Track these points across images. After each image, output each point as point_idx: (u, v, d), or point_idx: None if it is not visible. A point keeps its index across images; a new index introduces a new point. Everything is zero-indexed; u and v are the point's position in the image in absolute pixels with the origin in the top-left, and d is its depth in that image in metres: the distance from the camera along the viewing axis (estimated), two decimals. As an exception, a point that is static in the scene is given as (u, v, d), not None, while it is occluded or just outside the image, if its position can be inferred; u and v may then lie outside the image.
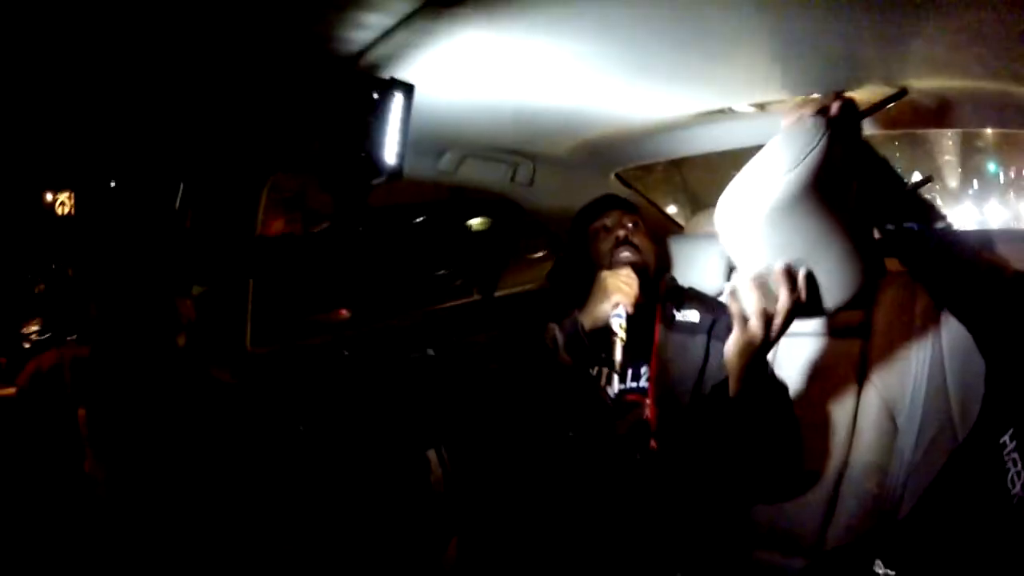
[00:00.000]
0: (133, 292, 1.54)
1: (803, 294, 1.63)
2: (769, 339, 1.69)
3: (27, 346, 3.53)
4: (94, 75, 1.63)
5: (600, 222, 2.33)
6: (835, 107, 1.66)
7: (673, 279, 2.39)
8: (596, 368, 2.13)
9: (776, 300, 1.64)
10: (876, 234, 1.70)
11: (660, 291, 2.27)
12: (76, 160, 1.77)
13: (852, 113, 1.70)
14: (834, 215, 1.58)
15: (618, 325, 2.06)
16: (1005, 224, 15.65)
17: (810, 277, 1.64)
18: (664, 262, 2.47)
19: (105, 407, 1.53)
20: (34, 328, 3.60)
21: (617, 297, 2.09)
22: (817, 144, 1.53)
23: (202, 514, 1.49)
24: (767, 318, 1.66)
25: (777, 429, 1.83)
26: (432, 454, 2.11)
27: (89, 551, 1.42)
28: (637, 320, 2.14)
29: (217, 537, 1.50)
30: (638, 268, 2.19)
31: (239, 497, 1.56)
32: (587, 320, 2.13)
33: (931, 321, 2.11)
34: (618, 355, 2.03)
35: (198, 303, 1.85)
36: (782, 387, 1.88)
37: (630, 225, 2.29)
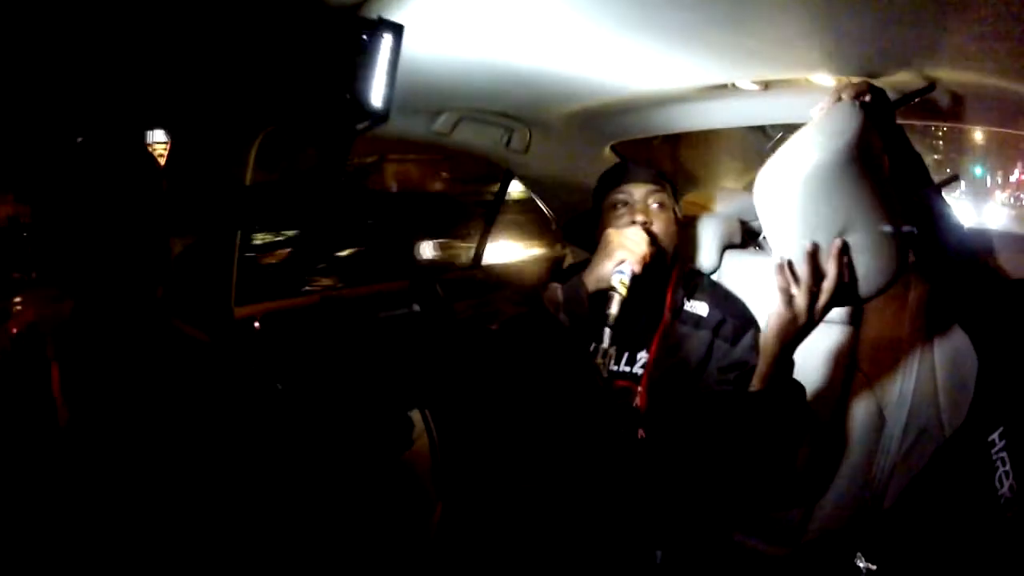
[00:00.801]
0: (115, 242, 1.50)
1: (847, 274, 1.61)
2: (813, 320, 1.67)
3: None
4: (76, 27, 1.60)
5: (621, 193, 2.14)
6: (868, 95, 1.62)
7: (690, 264, 2.29)
8: (593, 344, 2.10)
9: (823, 278, 1.62)
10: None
11: (672, 275, 2.15)
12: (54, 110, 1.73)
13: (885, 102, 1.67)
14: (874, 197, 1.56)
15: (619, 281, 1.95)
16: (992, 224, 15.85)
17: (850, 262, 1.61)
18: (685, 247, 2.35)
19: (79, 360, 1.50)
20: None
21: (621, 253, 1.96)
22: (857, 124, 1.52)
23: (176, 473, 1.46)
24: (813, 296, 1.64)
25: (797, 425, 1.81)
26: (416, 414, 2.08)
27: (63, 509, 1.40)
28: (644, 303, 2.08)
29: (192, 497, 1.48)
30: (651, 235, 2.03)
31: (214, 458, 1.53)
32: (590, 280, 2.00)
33: (923, 313, 2.11)
34: (614, 309, 1.94)
35: (180, 257, 1.82)
36: (801, 385, 1.84)
37: (654, 205, 2.11)
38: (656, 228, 2.07)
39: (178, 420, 1.47)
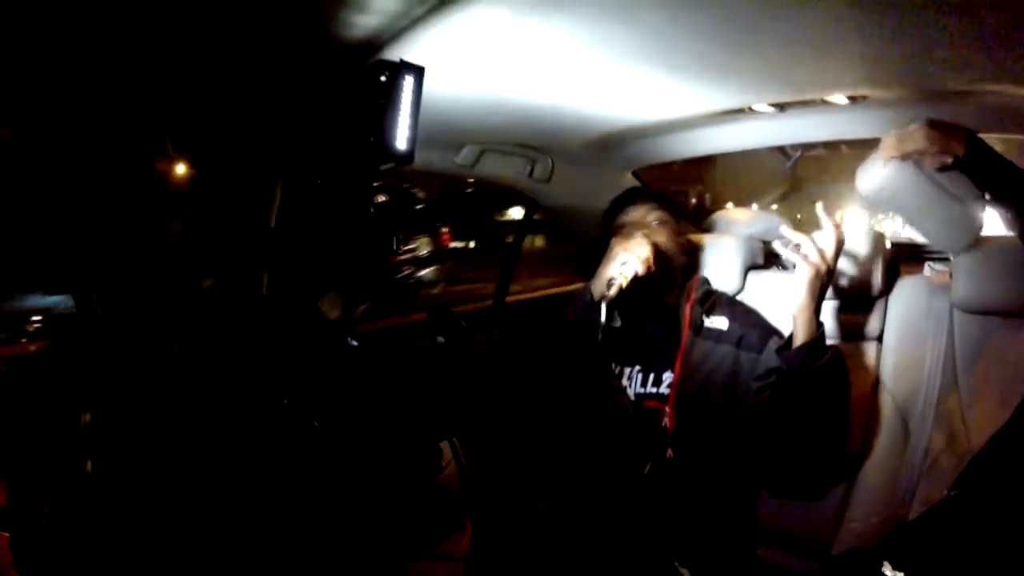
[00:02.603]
0: (139, 286, 1.51)
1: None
2: (829, 269, 1.89)
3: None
4: (104, 68, 1.63)
5: (626, 216, 2.28)
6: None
7: (706, 281, 2.34)
8: (618, 367, 2.13)
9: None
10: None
11: (690, 294, 2.22)
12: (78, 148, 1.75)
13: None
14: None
15: (619, 274, 2.02)
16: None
17: None
18: (693, 263, 2.44)
19: (108, 407, 1.50)
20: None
21: (624, 256, 2.04)
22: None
23: (208, 509, 1.48)
24: (820, 251, 1.88)
25: (841, 387, 1.91)
26: (445, 445, 2.11)
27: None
28: (665, 324, 2.14)
29: (223, 530, 1.50)
30: (655, 247, 2.11)
31: (246, 493, 1.55)
32: (596, 285, 2.08)
33: (944, 321, 2.12)
34: (612, 291, 1.99)
35: (207, 295, 1.83)
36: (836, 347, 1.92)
37: (654, 222, 2.24)
38: (659, 240, 2.15)
39: (216, 461, 1.48)
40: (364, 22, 1.55)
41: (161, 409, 1.49)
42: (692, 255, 2.43)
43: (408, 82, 1.66)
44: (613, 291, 1.99)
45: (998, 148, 1.93)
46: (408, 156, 1.71)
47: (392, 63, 1.65)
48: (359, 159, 1.75)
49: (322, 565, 1.70)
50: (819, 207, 1.95)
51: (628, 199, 2.33)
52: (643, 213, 2.26)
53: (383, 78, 1.65)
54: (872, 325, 2.26)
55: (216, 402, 1.58)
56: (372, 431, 1.95)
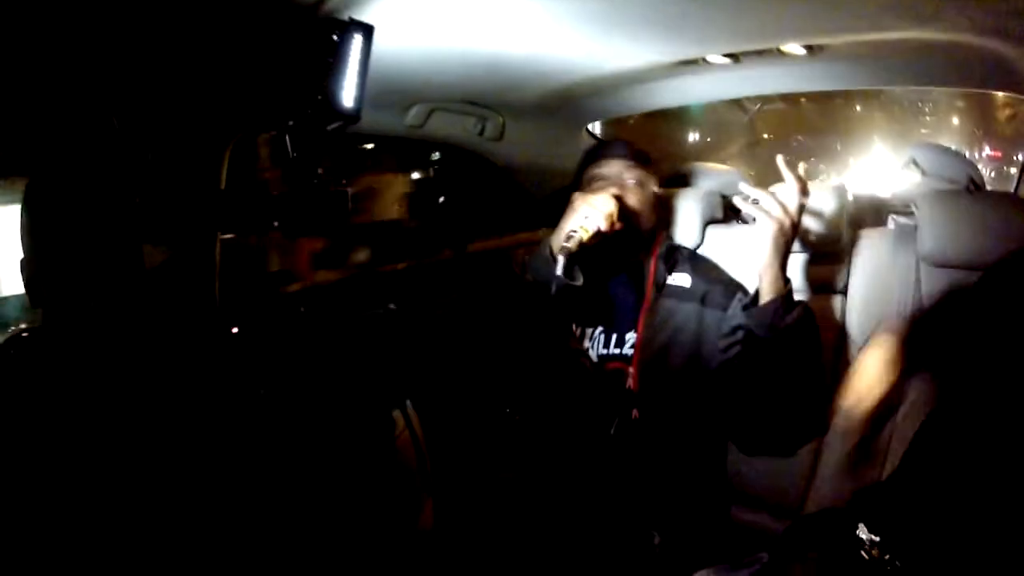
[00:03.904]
0: (83, 256, 1.48)
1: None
2: (794, 223, 1.86)
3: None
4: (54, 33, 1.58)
5: (598, 168, 2.16)
6: None
7: (670, 238, 2.28)
8: (579, 329, 2.08)
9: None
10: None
11: (653, 251, 2.15)
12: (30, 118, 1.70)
13: None
14: None
15: (580, 227, 1.92)
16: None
17: None
18: (662, 222, 2.33)
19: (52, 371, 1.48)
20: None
21: (586, 210, 1.94)
22: None
23: (160, 477, 1.45)
24: (783, 205, 1.84)
25: (814, 340, 1.87)
26: (398, 414, 2.06)
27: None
28: (628, 283, 2.09)
29: (178, 500, 1.47)
30: (626, 208, 2.03)
31: (200, 462, 1.52)
32: (555, 239, 1.99)
33: (910, 274, 2.10)
34: (571, 244, 1.89)
35: (160, 266, 1.81)
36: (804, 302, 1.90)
37: (630, 180, 2.12)
38: (631, 201, 2.06)
39: (159, 426, 1.46)
40: None
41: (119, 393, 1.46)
42: (662, 215, 2.37)
43: (357, 40, 1.64)
44: (572, 244, 1.89)
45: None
46: (355, 115, 1.70)
47: (340, 20, 1.63)
48: (307, 118, 1.73)
49: (274, 541, 1.68)
50: (779, 160, 1.90)
51: (605, 151, 2.20)
52: (619, 169, 2.14)
53: (333, 37, 1.63)
54: (836, 278, 2.24)
55: (170, 376, 1.56)
56: (319, 400, 1.92)
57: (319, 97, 1.65)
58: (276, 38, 1.70)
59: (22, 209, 1.48)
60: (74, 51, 1.66)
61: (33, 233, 1.45)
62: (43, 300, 1.50)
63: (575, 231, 1.91)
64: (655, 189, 2.18)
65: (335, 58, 1.63)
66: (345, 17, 1.63)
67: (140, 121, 1.93)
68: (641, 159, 2.17)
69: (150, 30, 1.66)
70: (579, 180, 2.19)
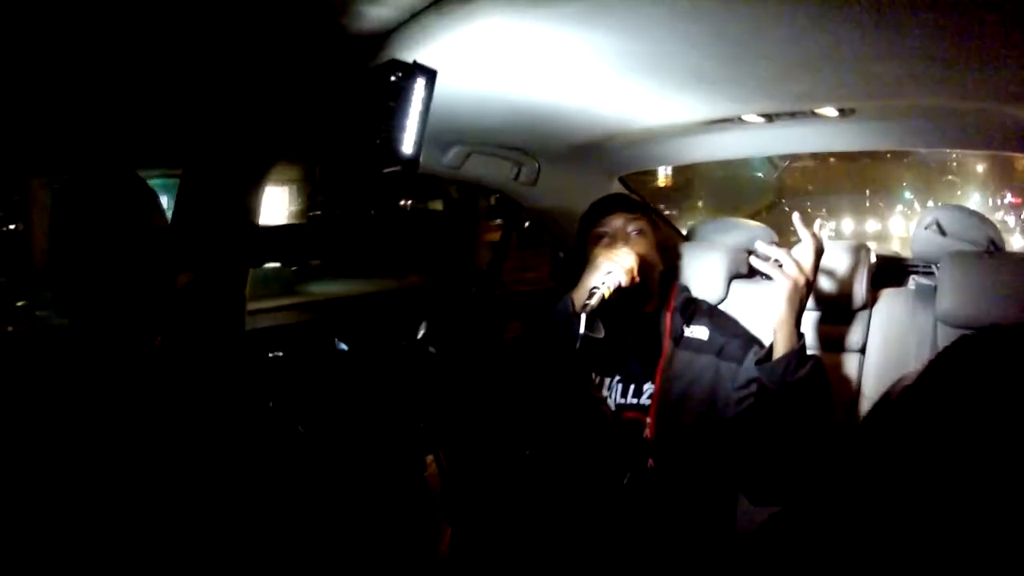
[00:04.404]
0: (114, 285, 1.45)
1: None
2: (808, 281, 1.87)
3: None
4: (96, 58, 1.58)
5: (602, 227, 2.20)
6: None
7: (686, 289, 2.30)
8: (598, 378, 2.12)
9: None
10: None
11: (670, 303, 2.19)
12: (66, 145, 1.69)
13: None
14: None
15: (603, 283, 1.96)
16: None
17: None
18: (672, 270, 2.41)
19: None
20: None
21: (608, 266, 1.99)
22: None
23: (195, 516, 1.46)
24: (798, 263, 1.86)
25: (825, 395, 1.88)
26: (431, 459, 2.09)
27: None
28: (644, 333, 2.12)
29: (205, 532, 1.47)
30: (639, 260, 2.06)
31: (227, 497, 1.52)
32: (577, 295, 2.02)
33: (928, 334, 2.13)
34: (593, 301, 1.92)
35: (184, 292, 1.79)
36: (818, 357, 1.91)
37: (632, 232, 2.17)
38: (639, 250, 2.09)
39: (179, 444, 1.45)
40: (375, 14, 1.50)
41: (140, 408, 1.46)
42: (672, 262, 2.42)
43: (419, 84, 1.60)
44: (595, 301, 1.94)
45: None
46: (414, 161, 1.66)
47: (404, 64, 1.58)
48: (362, 160, 1.69)
49: (304, 568, 1.69)
50: (795, 217, 1.94)
51: (606, 207, 2.25)
52: (622, 223, 2.19)
53: (393, 78, 1.58)
54: (854, 337, 2.26)
55: (197, 402, 1.55)
56: (358, 438, 1.93)
57: (377, 141, 1.60)
58: (334, 76, 1.70)
59: (51, 218, 1.44)
60: (148, 72, 1.66)
61: (62, 242, 1.40)
62: (70, 310, 1.44)
63: (597, 287, 1.96)
64: (655, 236, 2.23)
65: (396, 101, 1.58)
66: (409, 60, 1.58)
67: (179, 146, 1.96)
68: (633, 208, 2.23)
69: (216, 59, 1.65)
70: (584, 241, 2.23)
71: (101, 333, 1.43)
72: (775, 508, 2.08)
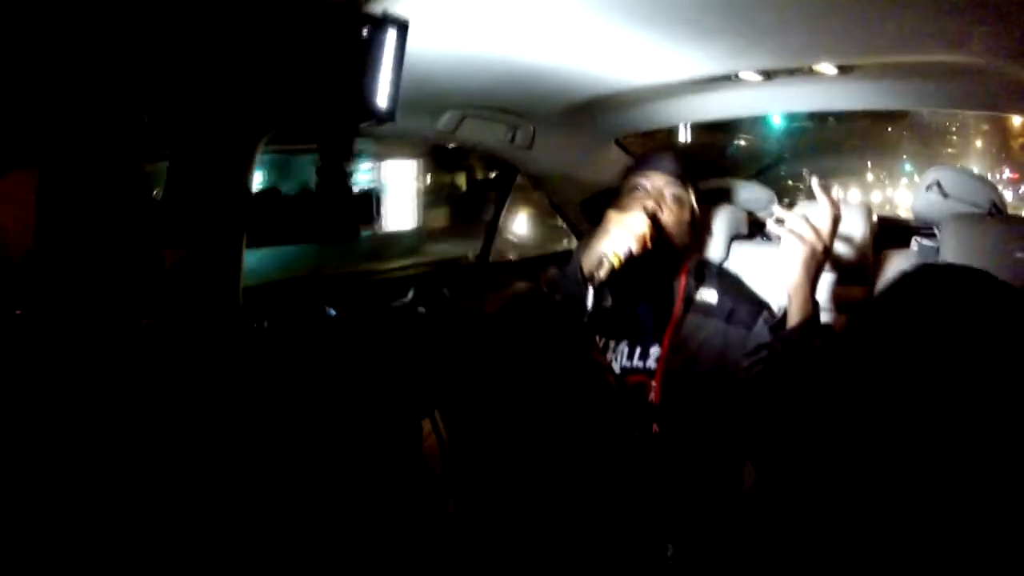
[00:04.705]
0: (98, 262, 1.43)
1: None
2: (826, 247, 1.87)
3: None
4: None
5: (643, 178, 2.16)
6: None
7: (700, 254, 2.28)
8: (603, 340, 2.09)
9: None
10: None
11: (685, 265, 2.16)
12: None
13: None
14: None
15: (612, 252, 1.94)
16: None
17: None
18: (695, 241, 2.35)
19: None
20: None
21: (619, 231, 1.96)
22: None
23: (184, 498, 1.44)
24: (816, 229, 1.86)
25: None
26: (427, 423, 2.07)
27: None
28: (656, 298, 2.10)
29: (194, 503, 1.46)
30: (659, 225, 2.06)
31: (222, 480, 1.51)
32: (587, 260, 2.00)
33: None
34: (602, 273, 1.92)
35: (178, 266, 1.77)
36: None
37: (669, 196, 2.13)
38: (666, 219, 2.07)
39: (170, 424, 1.44)
40: None
41: (125, 388, 1.44)
42: (695, 234, 2.38)
43: (391, 36, 1.58)
44: (603, 272, 1.92)
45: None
46: (389, 115, 1.63)
47: (373, 16, 1.57)
48: (336, 116, 1.68)
49: (298, 550, 1.68)
50: (815, 181, 1.92)
51: (654, 162, 2.20)
52: (661, 183, 2.14)
53: (364, 32, 1.56)
54: (860, 296, 2.24)
55: (186, 381, 1.54)
56: (348, 407, 1.91)
57: (351, 95, 1.59)
58: (305, 32, 1.64)
59: (37, 198, 1.40)
60: (104, 43, 1.60)
61: (46, 223, 1.38)
62: (52, 290, 1.42)
63: (606, 256, 1.94)
64: (694, 208, 2.19)
65: (367, 55, 1.57)
66: (379, 12, 1.57)
67: (165, 116, 1.92)
68: (685, 177, 2.18)
69: (178, 22, 1.63)
70: (622, 184, 2.21)
71: (85, 312, 1.41)
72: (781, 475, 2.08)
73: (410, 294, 2.22)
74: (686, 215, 2.15)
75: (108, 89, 1.69)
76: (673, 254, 2.12)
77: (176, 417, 1.46)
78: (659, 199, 2.11)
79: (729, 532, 2.05)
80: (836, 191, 2.52)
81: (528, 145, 2.75)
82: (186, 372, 1.55)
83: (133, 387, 1.43)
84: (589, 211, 3.02)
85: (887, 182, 21.74)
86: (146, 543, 1.38)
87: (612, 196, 2.22)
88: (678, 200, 2.13)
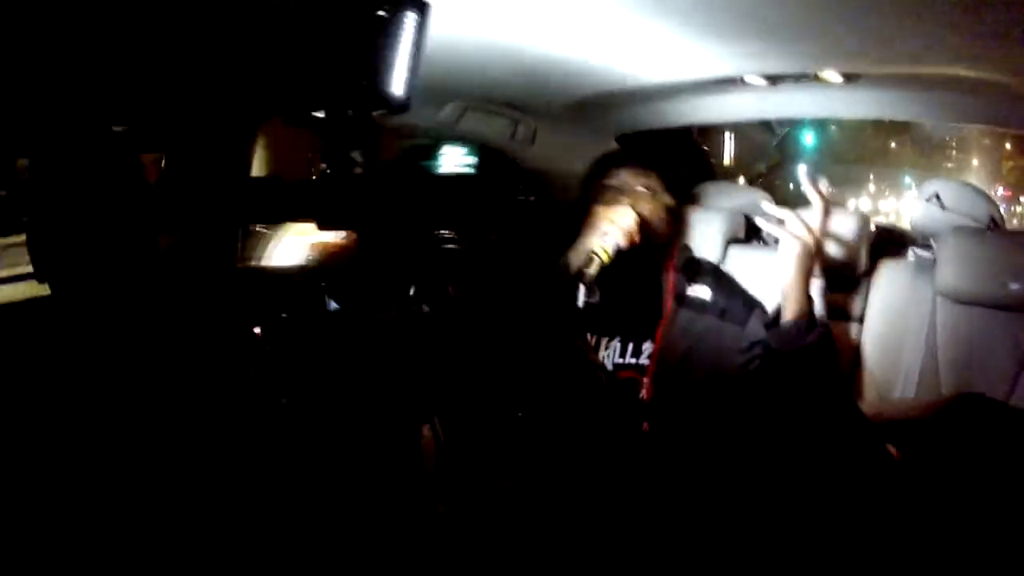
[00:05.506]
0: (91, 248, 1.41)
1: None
2: (818, 243, 1.86)
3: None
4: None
5: (609, 179, 2.12)
6: None
7: (688, 249, 2.24)
8: (594, 338, 2.09)
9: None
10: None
11: (672, 262, 2.14)
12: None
13: None
14: None
15: (600, 248, 1.93)
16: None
17: None
18: (677, 231, 2.32)
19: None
20: None
21: (607, 227, 1.96)
22: None
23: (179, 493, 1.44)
24: (806, 224, 1.84)
25: (827, 371, 1.86)
26: (426, 429, 2.06)
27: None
28: (645, 294, 2.08)
29: (188, 504, 1.45)
30: (640, 217, 2.03)
31: (213, 467, 1.50)
32: (575, 255, 2.00)
33: (926, 307, 2.12)
34: (592, 269, 1.90)
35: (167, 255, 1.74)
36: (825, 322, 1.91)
37: (640, 189, 2.09)
38: (644, 211, 2.05)
39: (171, 428, 1.43)
40: None
41: (121, 374, 1.43)
42: (676, 226, 2.37)
43: (410, 18, 1.46)
44: (593, 269, 1.91)
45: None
46: (404, 104, 1.51)
47: None
48: (347, 103, 1.56)
49: (291, 547, 1.68)
50: (802, 171, 1.92)
51: (616, 160, 2.18)
52: (631, 178, 2.11)
53: (381, 12, 1.45)
54: (853, 305, 2.26)
55: (180, 366, 1.52)
56: (348, 409, 1.90)
57: (364, 82, 1.48)
58: (315, 12, 1.55)
59: (29, 181, 1.40)
60: (95, 25, 1.58)
61: (40, 205, 1.37)
62: (49, 274, 1.40)
63: (595, 253, 1.93)
64: (669, 199, 2.17)
65: (384, 37, 1.45)
66: None
67: (163, 99, 1.91)
68: (645, 163, 2.16)
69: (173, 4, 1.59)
70: (588, 191, 2.17)
71: (79, 297, 1.41)
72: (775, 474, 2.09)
73: (411, 291, 2.20)
74: (661, 205, 2.12)
75: (102, 70, 1.68)
76: (657, 247, 2.10)
77: (171, 411, 1.45)
78: (633, 194, 2.08)
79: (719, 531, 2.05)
80: (824, 184, 2.51)
81: (530, 141, 2.74)
82: (181, 362, 1.53)
83: (128, 379, 1.42)
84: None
85: (888, 193, 21.84)
86: (145, 543, 1.38)
87: (581, 206, 2.18)
88: (651, 191, 2.10)
